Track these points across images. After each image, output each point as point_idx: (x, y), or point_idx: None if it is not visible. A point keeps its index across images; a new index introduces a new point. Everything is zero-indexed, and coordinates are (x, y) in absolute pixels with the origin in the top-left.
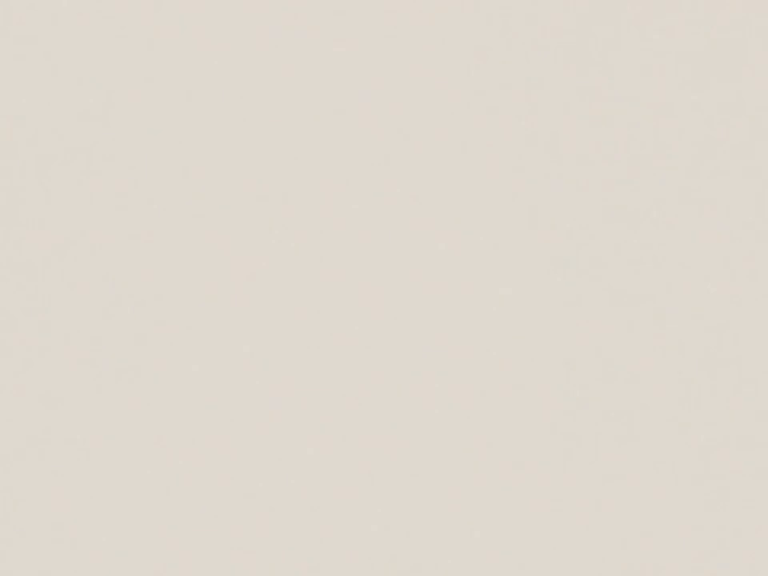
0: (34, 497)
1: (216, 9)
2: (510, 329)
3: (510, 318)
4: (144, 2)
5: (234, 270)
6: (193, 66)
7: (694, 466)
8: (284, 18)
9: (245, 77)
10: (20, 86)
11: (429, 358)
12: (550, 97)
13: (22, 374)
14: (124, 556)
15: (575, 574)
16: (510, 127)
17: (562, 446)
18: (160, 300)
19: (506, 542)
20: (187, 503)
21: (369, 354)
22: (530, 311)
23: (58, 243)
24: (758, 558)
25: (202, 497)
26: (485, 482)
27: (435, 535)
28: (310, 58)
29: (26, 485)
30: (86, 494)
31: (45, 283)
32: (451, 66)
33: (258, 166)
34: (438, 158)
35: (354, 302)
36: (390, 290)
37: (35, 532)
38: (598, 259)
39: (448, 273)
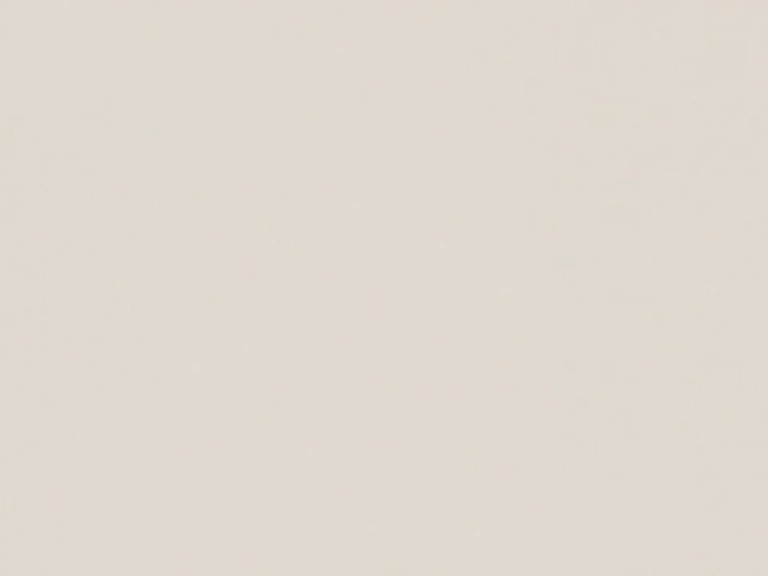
0: (34, 497)
1: (216, 9)
2: (510, 329)
3: (510, 318)
4: (144, 2)
5: (234, 269)
6: (193, 65)
7: (694, 466)
8: (284, 18)
9: (245, 77)
10: (20, 86)
11: (429, 358)
12: (550, 97)
13: (22, 373)
14: (124, 556)
15: (575, 574)
16: (510, 127)
17: (562, 445)
18: (160, 300)
19: (506, 542)
20: (187, 503)
21: (369, 354)
22: (530, 311)
23: (58, 243)
24: (758, 558)
25: (202, 497)
26: (485, 482)
27: (435, 535)
28: (310, 57)
29: (26, 485)
30: (86, 494)
31: (45, 283)
32: (451, 66)
33: (258, 165)
34: (438, 157)
35: (354, 301)
36: (390, 289)
37: (35, 532)
38: (598, 259)
39: (448, 273)
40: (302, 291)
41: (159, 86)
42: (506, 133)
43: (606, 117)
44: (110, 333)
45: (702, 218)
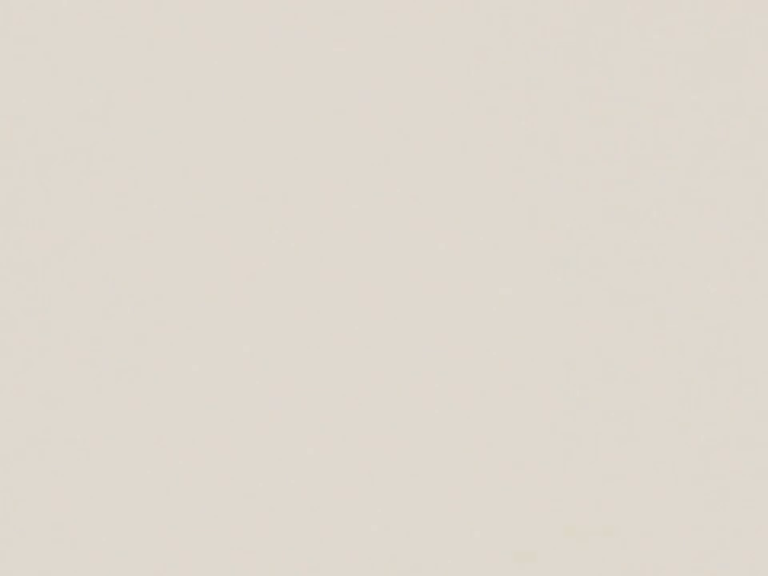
0: (34, 497)
1: (216, 9)
2: (510, 329)
3: (510, 318)
4: (144, 2)
5: (234, 269)
6: (193, 65)
7: (694, 466)
8: (284, 18)
9: (245, 77)
10: (20, 86)
11: (429, 358)
12: (550, 97)
13: (22, 374)
14: (124, 556)
15: (575, 574)
16: (510, 127)
17: (562, 446)
18: (160, 300)
19: (506, 542)
20: (187, 503)
21: (369, 354)
22: (530, 311)
23: (58, 243)
24: (758, 558)
25: (202, 497)
26: (485, 482)
27: (435, 535)
28: (310, 57)
29: (26, 485)
30: (86, 494)
31: (45, 283)
32: (451, 66)
33: (258, 165)
34: (438, 157)
35: (354, 302)
36: (390, 290)
37: (35, 532)
38: (598, 259)
39: (448, 273)
40: (301, 291)
41: (159, 85)
42: (506, 133)
43: (606, 117)
44: (110, 333)
45: (702, 218)
